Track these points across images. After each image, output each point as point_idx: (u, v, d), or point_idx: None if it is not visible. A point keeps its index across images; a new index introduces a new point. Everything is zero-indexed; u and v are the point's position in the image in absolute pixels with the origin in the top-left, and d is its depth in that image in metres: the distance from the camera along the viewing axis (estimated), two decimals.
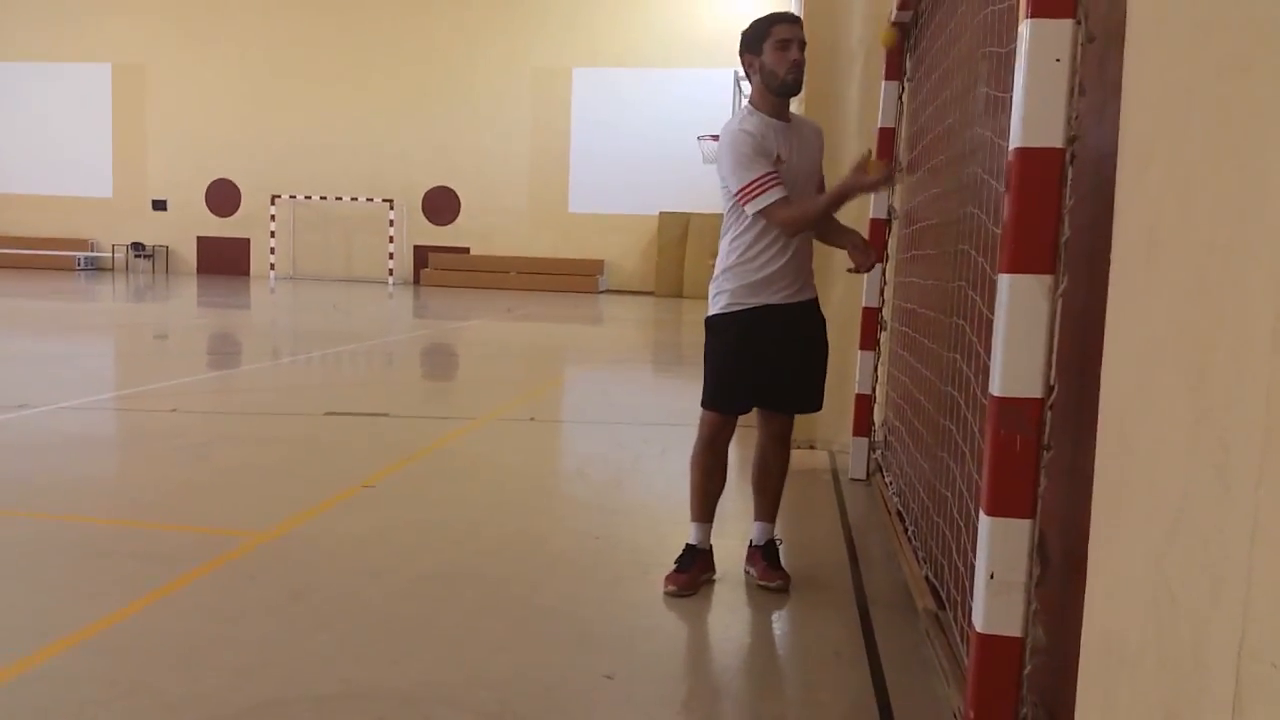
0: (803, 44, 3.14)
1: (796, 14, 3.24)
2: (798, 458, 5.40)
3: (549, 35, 24.70)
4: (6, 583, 3.26)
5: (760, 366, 3.27)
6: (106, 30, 26.23)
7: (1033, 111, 1.63)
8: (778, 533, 3.54)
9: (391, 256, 25.29)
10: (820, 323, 3.36)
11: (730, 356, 3.29)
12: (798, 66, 3.12)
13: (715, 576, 3.41)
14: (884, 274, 4.74)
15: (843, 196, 3.05)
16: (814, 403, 3.42)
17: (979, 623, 1.84)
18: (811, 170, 3.25)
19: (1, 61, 26.75)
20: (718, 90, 19.94)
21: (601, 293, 24.12)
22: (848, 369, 5.02)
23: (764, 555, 3.41)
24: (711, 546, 3.41)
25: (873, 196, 4.69)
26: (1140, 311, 1.34)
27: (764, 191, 3.08)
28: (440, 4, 24.97)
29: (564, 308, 18.54)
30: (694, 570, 3.33)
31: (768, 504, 3.47)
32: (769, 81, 3.14)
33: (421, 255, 25.66)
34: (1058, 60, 1.61)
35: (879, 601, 3.28)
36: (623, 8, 24.37)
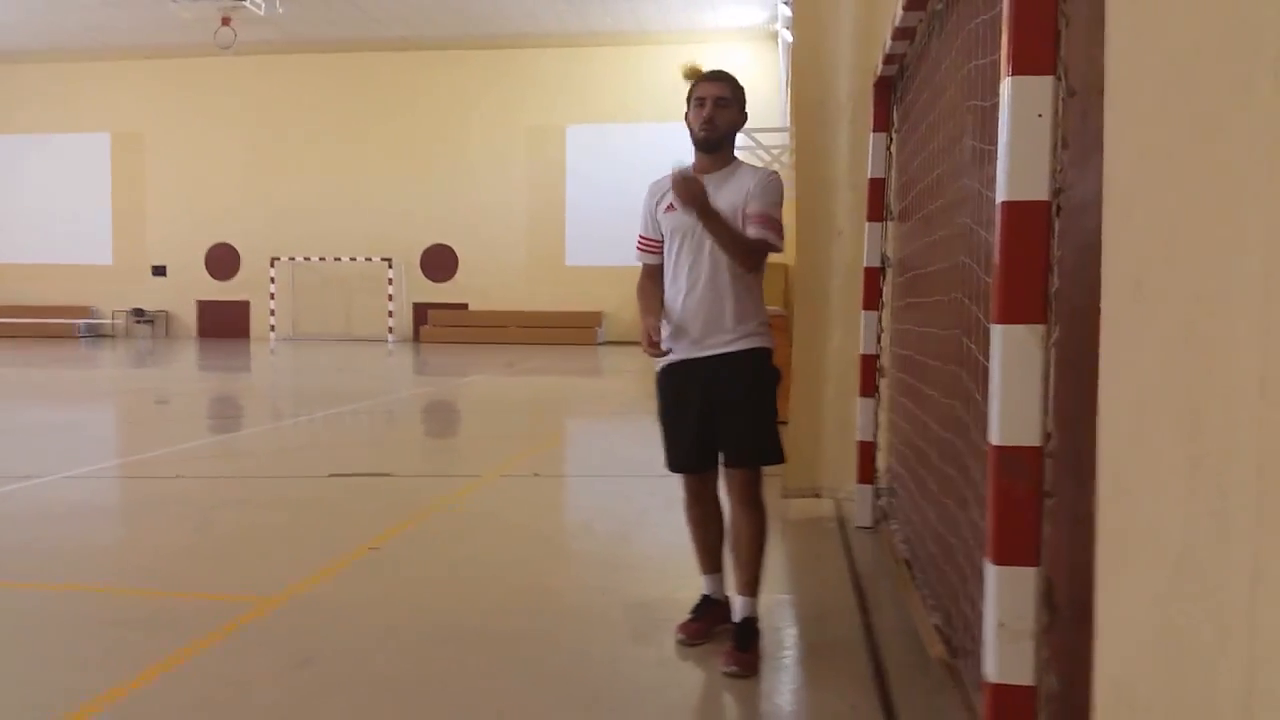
0: (720, 100, 3.14)
1: (724, 72, 3.22)
2: (802, 506, 5.41)
3: (542, 94, 25.09)
4: (12, 656, 3.25)
5: (680, 421, 3.25)
6: (105, 100, 26.65)
7: (1017, 166, 1.67)
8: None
9: (391, 315, 25.41)
10: (741, 373, 3.16)
11: (661, 412, 3.33)
12: (708, 123, 3.14)
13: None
14: (880, 321, 4.78)
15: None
16: (755, 454, 3.18)
17: (991, 672, 1.84)
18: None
19: (4, 134, 27.12)
20: None
21: (601, 344, 24.20)
22: (849, 416, 5.04)
23: (734, 634, 3.17)
24: (727, 597, 3.38)
25: (866, 242, 4.76)
26: (1131, 360, 1.37)
27: (637, 249, 3.37)
28: (435, 66, 25.39)
29: (564, 360, 18.58)
30: (705, 620, 3.33)
31: (743, 575, 3.22)
32: (690, 136, 3.22)
33: (421, 312, 25.79)
34: (1040, 115, 1.65)
35: (891, 651, 3.27)
36: (613, 66, 24.77)
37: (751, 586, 3.22)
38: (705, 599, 3.40)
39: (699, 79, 3.21)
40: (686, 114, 3.23)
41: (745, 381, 3.17)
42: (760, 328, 3.21)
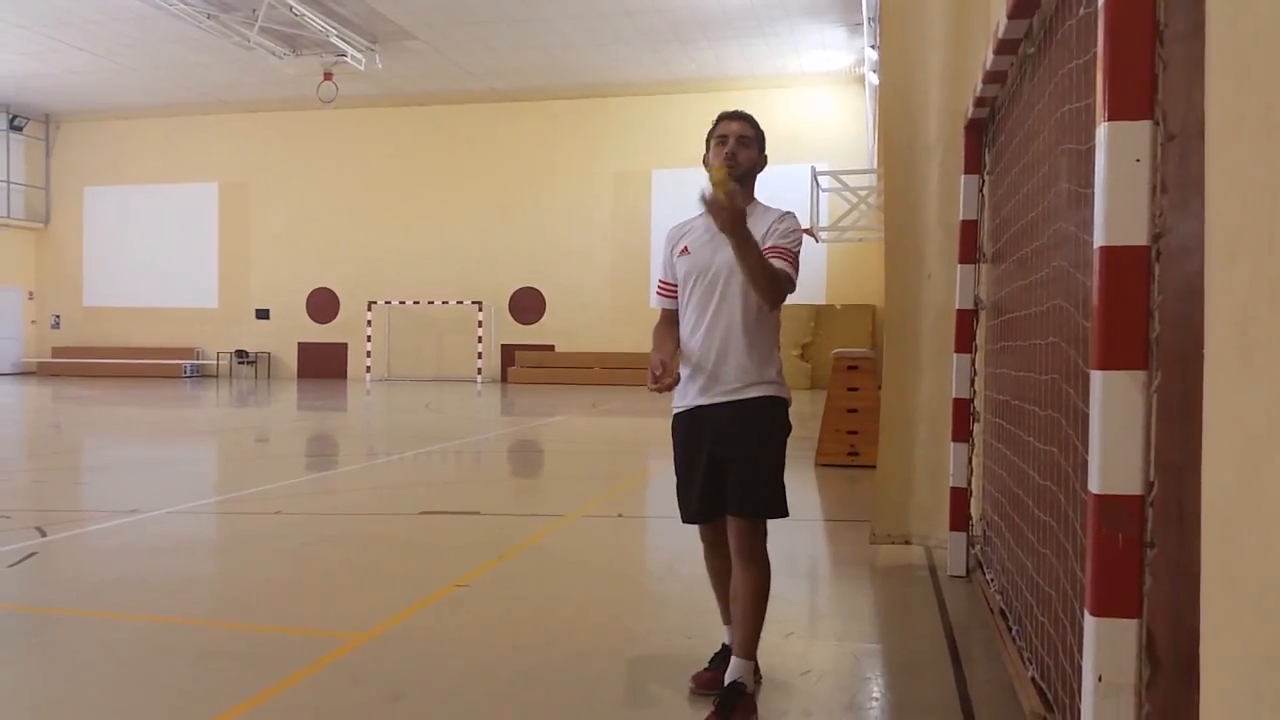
0: (742, 139, 3.13)
1: (745, 112, 3.22)
2: (892, 553, 5.30)
3: (627, 140, 25.45)
4: (118, 685, 3.39)
5: (690, 471, 3.19)
6: (213, 152, 27.97)
7: (1115, 211, 1.65)
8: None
9: (480, 356, 25.89)
10: (749, 421, 3.08)
11: (674, 461, 3.28)
12: (730, 159, 3.11)
13: (758, 679, 3.23)
14: (973, 364, 4.70)
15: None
16: (755, 504, 3.06)
17: None
18: (733, 263, 3.04)
19: (120, 185, 28.68)
20: (795, 184, 20.17)
21: None
22: (941, 461, 4.94)
23: (717, 698, 3.03)
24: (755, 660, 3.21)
25: (958, 284, 4.69)
26: (1238, 407, 1.33)
27: (656, 293, 3.37)
28: (524, 116, 26.02)
29: (647, 401, 18.62)
30: (720, 671, 3.22)
31: (738, 634, 3.11)
32: (709, 176, 3.12)
33: (509, 354, 26.21)
34: (1138, 160, 1.63)
35: (984, 704, 3.17)
36: (698, 111, 24.86)
37: (746, 647, 3.08)
38: (724, 648, 3.35)
39: (718, 119, 3.22)
40: (705, 156, 3.21)
41: (753, 429, 3.09)
42: (775, 376, 3.13)
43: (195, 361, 27.87)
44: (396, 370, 26.79)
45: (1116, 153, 1.65)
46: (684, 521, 3.30)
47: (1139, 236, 1.64)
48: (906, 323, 5.17)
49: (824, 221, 19.22)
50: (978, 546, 4.75)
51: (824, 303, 23.18)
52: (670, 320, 3.31)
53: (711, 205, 2.85)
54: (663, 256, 3.35)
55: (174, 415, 15.72)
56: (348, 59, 20.77)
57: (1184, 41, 1.64)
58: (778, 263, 3.02)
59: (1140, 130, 1.64)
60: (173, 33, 20.27)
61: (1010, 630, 3.52)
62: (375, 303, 26.48)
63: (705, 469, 3.14)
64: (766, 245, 3.05)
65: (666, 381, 3.04)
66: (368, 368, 26.32)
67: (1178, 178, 1.66)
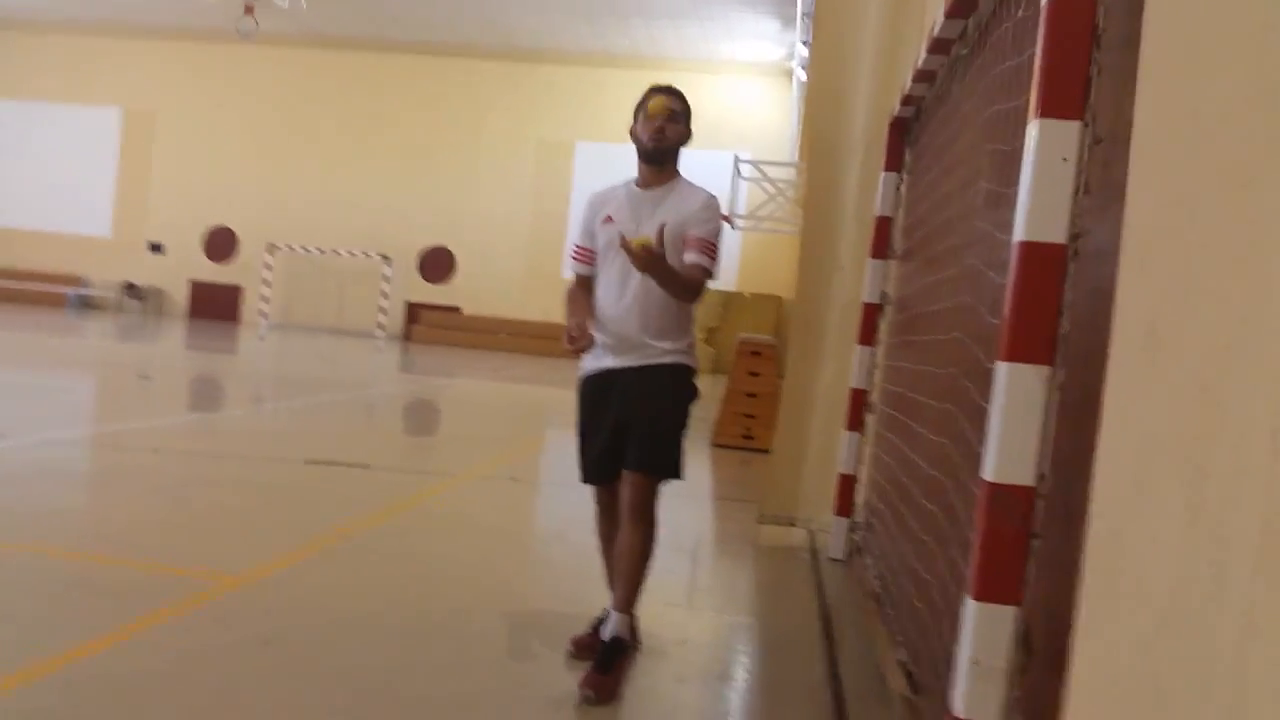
0: (672, 114, 3.14)
1: (675, 88, 3.22)
2: (776, 534, 5.39)
3: (553, 109, 25.18)
4: None
5: (594, 431, 3.21)
6: (120, 75, 26.59)
7: (1038, 208, 1.67)
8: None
9: (384, 311, 25.35)
10: (658, 384, 3.12)
11: (578, 422, 3.30)
12: (658, 133, 3.12)
13: (637, 644, 3.24)
14: (874, 357, 4.79)
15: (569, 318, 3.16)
16: (653, 463, 3.10)
17: (958, 708, 1.82)
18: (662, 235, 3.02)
19: (15, 99, 27.01)
20: (717, 171, 20.28)
21: None
22: (832, 448, 5.04)
23: (598, 654, 3.06)
24: (632, 614, 3.23)
25: (867, 279, 4.77)
26: (1138, 407, 1.37)
27: (573, 258, 3.33)
28: (450, 72, 25.47)
29: (551, 372, 18.54)
30: (598, 635, 3.21)
31: (619, 589, 3.14)
32: (637, 147, 3.19)
33: (414, 312, 25.73)
34: (1064, 160, 1.66)
35: (852, 684, 3.25)
36: (626, 88, 24.63)
37: (626, 602, 3.13)
38: (606, 613, 3.33)
39: (650, 91, 3.21)
40: (632, 128, 3.21)
41: (661, 392, 3.13)
42: (686, 347, 3.19)
43: (81, 291, 26.55)
44: (293, 318, 26.03)
45: (1045, 150, 1.67)
46: (583, 481, 3.30)
47: (1058, 234, 1.68)
48: (814, 312, 5.24)
49: (741, 209, 19.36)
50: (859, 532, 4.86)
51: (734, 290, 23.40)
52: (585, 286, 3.28)
53: (633, 255, 2.87)
54: (583, 221, 3.31)
55: (53, 343, 14.95)
56: None
57: (1119, 49, 1.67)
58: (696, 257, 3.06)
59: (1070, 130, 1.67)
60: None
61: (883, 613, 3.61)
62: (277, 246, 25.64)
63: (610, 431, 3.15)
64: (689, 233, 3.08)
65: (583, 344, 3.04)
66: (263, 313, 25.50)
67: (1101, 182, 1.70)
